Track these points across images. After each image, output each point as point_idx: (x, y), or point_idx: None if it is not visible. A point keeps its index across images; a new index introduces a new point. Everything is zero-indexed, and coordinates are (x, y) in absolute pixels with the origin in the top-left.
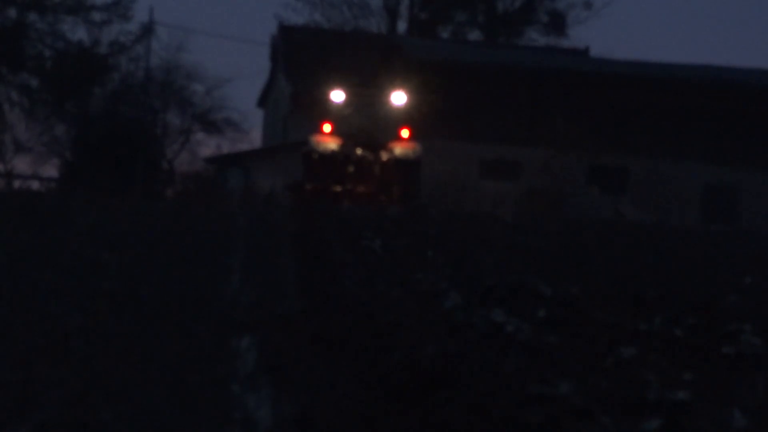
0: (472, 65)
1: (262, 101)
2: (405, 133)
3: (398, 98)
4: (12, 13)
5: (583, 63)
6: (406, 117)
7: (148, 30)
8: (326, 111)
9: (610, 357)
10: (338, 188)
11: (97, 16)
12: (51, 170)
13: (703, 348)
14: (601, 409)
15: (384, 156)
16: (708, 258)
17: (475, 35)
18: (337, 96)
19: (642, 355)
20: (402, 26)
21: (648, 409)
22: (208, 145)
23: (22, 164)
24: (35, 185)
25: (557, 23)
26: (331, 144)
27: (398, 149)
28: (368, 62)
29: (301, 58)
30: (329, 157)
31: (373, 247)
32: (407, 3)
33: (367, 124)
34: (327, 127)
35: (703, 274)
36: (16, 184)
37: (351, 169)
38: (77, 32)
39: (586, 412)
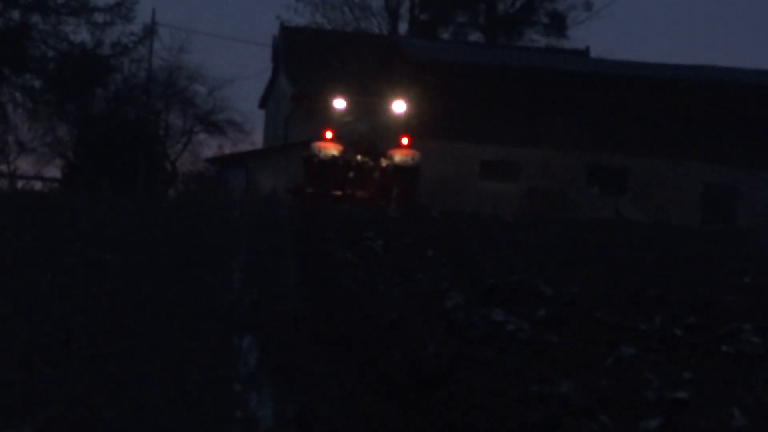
0: (473, 66)
1: (264, 102)
2: (405, 140)
3: (398, 107)
4: (15, 14)
5: (583, 63)
6: (406, 125)
7: (150, 31)
8: (328, 118)
9: (610, 356)
10: (338, 193)
11: (99, 18)
12: (54, 171)
13: (702, 347)
14: (601, 408)
15: (384, 162)
16: (708, 258)
17: (475, 36)
18: (339, 104)
19: (642, 354)
20: (403, 27)
21: (648, 408)
22: (210, 146)
23: (25, 165)
24: (38, 186)
25: (557, 24)
26: (332, 150)
27: (398, 156)
28: (369, 63)
29: (302, 59)
30: (330, 162)
31: (374, 247)
32: (408, 4)
33: (367, 132)
34: (328, 134)
35: (703, 273)
36: (20, 184)
37: (351, 174)
38: (80, 33)
39: (587, 411)
